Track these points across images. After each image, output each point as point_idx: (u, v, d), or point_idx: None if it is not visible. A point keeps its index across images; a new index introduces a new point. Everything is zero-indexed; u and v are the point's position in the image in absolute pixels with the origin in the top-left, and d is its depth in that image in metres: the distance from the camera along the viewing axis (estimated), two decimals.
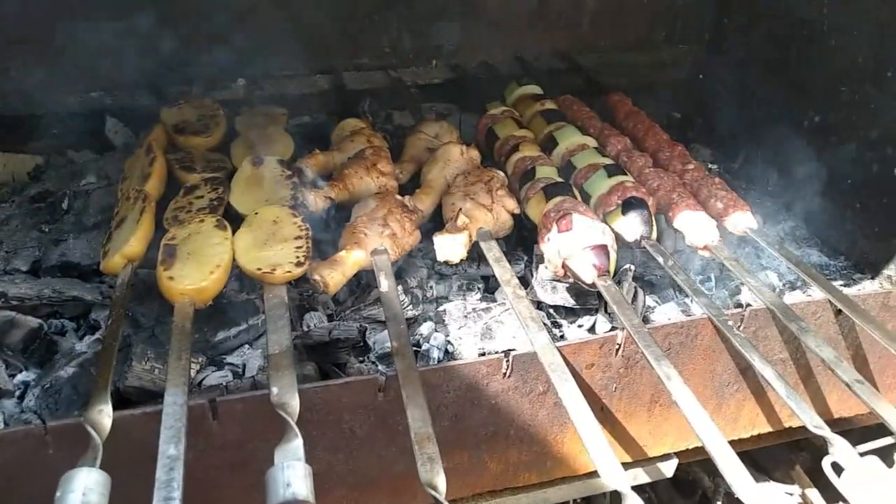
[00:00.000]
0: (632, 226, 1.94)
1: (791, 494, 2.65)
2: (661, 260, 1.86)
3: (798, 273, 1.91)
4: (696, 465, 2.62)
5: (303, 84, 2.75)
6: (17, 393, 1.68)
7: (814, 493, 2.61)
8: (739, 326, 1.75)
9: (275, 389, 1.40)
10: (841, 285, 2.24)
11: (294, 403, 1.37)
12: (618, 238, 1.92)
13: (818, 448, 2.73)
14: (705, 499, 2.78)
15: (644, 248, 1.94)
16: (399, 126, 2.77)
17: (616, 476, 1.31)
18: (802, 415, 1.45)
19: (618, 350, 1.67)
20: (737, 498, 2.69)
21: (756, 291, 1.78)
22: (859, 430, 2.11)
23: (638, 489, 1.52)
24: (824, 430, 1.42)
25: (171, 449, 1.26)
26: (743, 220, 2.04)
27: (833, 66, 2.48)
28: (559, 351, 1.54)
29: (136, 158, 2.10)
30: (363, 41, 2.81)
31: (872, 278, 2.33)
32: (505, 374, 1.59)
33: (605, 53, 3.07)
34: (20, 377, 1.72)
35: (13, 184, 2.39)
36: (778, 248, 1.96)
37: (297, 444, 1.29)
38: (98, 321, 1.87)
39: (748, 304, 1.94)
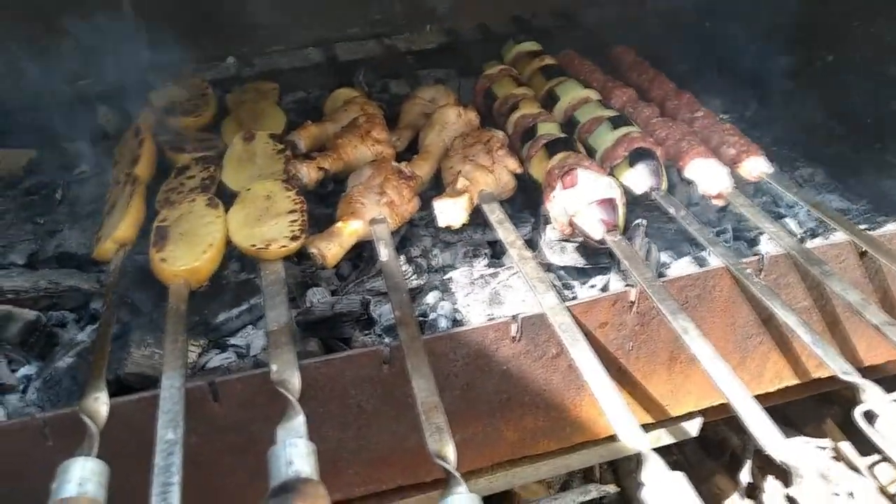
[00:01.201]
0: (640, 177, 1.85)
1: (823, 448, 2.58)
2: (672, 211, 1.78)
3: (819, 216, 1.82)
4: (724, 423, 2.55)
5: (294, 58, 2.67)
6: (21, 387, 1.65)
7: (847, 447, 2.54)
8: (759, 274, 1.67)
9: (274, 367, 1.35)
10: (864, 229, 2.15)
11: (295, 380, 1.32)
12: (627, 192, 1.84)
13: (849, 400, 2.64)
14: (735, 458, 2.72)
15: (655, 200, 1.85)
16: (396, 95, 2.69)
17: (636, 438, 1.25)
18: (830, 362, 1.37)
19: (631, 306, 1.59)
20: (766, 455, 2.62)
21: (775, 237, 1.70)
22: (891, 378, 2.03)
23: (664, 450, 1.46)
24: (854, 377, 1.35)
25: (168, 433, 1.22)
26: (757, 166, 1.94)
27: (843, 1, 2.37)
28: (569, 311, 1.47)
29: (125, 142, 2.05)
30: (352, 9, 2.72)
31: None
32: (514, 338, 1.53)
33: (604, 7, 2.96)
34: (23, 371, 1.69)
35: (7, 178, 2.34)
36: (796, 191, 1.87)
37: (298, 421, 1.24)
38: (98, 311, 1.82)
39: (767, 252, 1.85)
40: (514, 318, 1.52)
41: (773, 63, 2.66)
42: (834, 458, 2.49)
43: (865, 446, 2.53)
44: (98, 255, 1.69)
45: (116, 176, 1.92)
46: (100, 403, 1.29)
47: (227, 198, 1.85)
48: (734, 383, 1.34)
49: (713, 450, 2.76)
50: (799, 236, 2.05)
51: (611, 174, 1.88)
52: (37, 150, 2.48)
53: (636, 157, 1.88)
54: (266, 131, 2.01)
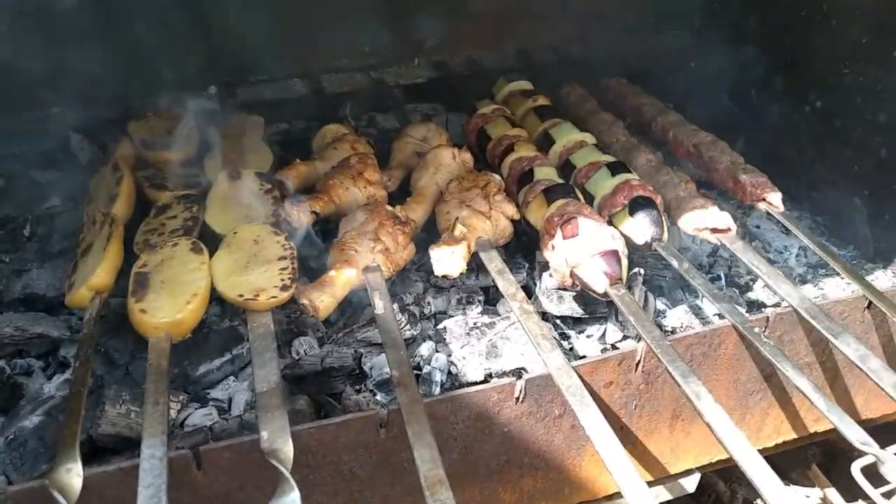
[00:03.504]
0: (642, 227, 1.81)
1: (808, 497, 2.55)
2: (675, 264, 1.74)
3: (834, 265, 1.81)
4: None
5: (279, 89, 2.59)
6: None
7: (831, 492, 2.52)
8: (765, 332, 1.63)
9: (265, 434, 1.26)
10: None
11: (287, 449, 1.23)
12: (627, 242, 1.79)
13: (831, 444, 2.64)
14: (719, 502, 2.68)
15: (655, 250, 1.81)
16: (383, 130, 2.62)
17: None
18: (846, 430, 1.33)
19: (637, 365, 1.54)
20: None
21: (783, 293, 1.66)
22: (883, 427, 2.02)
23: None
24: (872, 448, 1.30)
25: None
26: (774, 201, 1.96)
27: (835, 47, 2.37)
28: (576, 371, 1.41)
29: (101, 177, 1.94)
30: (340, 41, 2.66)
31: (884, 268, 2.22)
32: (518, 399, 1.46)
33: (593, 44, 2.94)
34: None
35: None
36: (808, 233, 1.87)
37: (293, 497, 1.15)
38: (67, 358, 1.70)
39: (773, 306, 1.83)
40: (519, 378, 1.45)
41: (761, 107, 2.67)
42: None
43: (851, 492, 2.52)
44: (71, 302, 1.58)
45: (92, 214, 1.80)
46: (72, 475, 1.18)
47: (207, 239, 1.76)
48: (744, 445, 1.31)
49: (699, 495, 2.72)
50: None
51: (610, 223, 1.84)
52: (3, 180, 2.35)
53: (636, 205, 1.84)
54: (252, 169, 1.92)
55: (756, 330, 1.55)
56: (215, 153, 2.07)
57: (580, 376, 1.41)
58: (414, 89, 2.72)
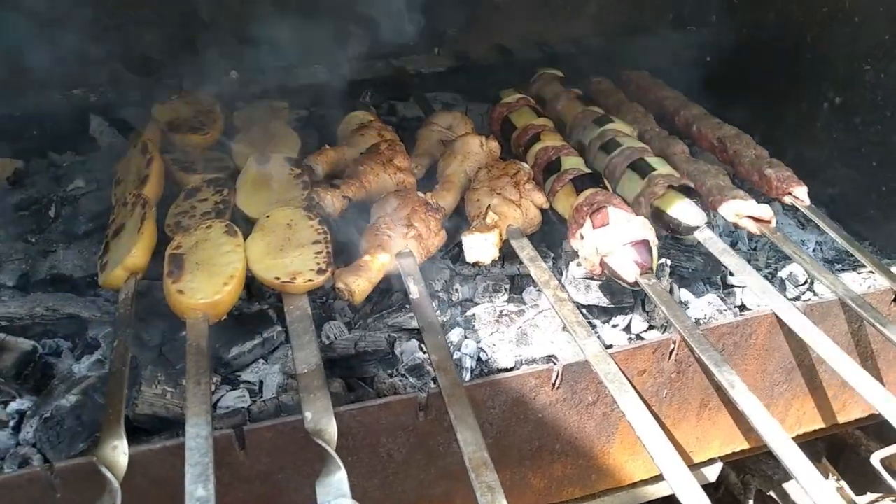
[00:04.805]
0: (693, 210, 1.82)
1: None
2: (715, 250, 1.76)
3: (861, 259, 1.83)
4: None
5: (301, 75, 2.58)
6: (12, 423, 1.52)
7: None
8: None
9: (308, 414, 1.26)
10: (868, 272, 2.16)
11: (331, 430, 1.24)
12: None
13: (838, 439, 2.67)
14: (728, 494, 2.70)
15: (694, 238, 1.83)
16: (404, 118, 2.62)
17: (691, 489, 1.20)
18: (890, 414, 1.34)
19: (671, 354, 1.55)
20: (769, 495, 2.59)
21: (828, 282, 1.69)
22: None
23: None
24: None
25: (199, 489, 1.13)
26: (800, 195, 1.97)
27: (856, 44, 2.38)
28: (613, 358, 1.42)
29: (129, 159, 1.93)
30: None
31: None
32: (554, 385, 1.46)
33: (612, 37, 2.95)
34: (13, 405, 1.55)
35: None
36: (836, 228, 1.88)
37: (339, 477, 1.16)
38: (97, 339, 1.70)
39: (793, 299, 1.84)
40: (555, 364, 1.46)
41: (777, 102, 2.68)
42: None
43: (860, 485, 2.56)
44: (106, 282, 1.57)
45: (121, 195, 1.80)
46: (118, 453, 1.19)
47: (237, 222, 1.75)
48: (779, 432, 1.32)
49: (711, 486, 2.75)
50: (805, 279, 2.04)
51: (657, 208, 1.84)
52: (24, 161, 2.34)
53: (684, 190, 1.86)
54: (281, 154, 1.92)
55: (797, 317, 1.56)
56: (242, 138, 2.07)
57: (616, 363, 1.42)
58: (434, 78, 2.72)
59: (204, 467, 1.16)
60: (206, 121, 2.11)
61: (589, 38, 2.88)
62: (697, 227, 1.82)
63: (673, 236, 1.93)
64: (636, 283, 1.67)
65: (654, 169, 1.93)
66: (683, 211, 1.83)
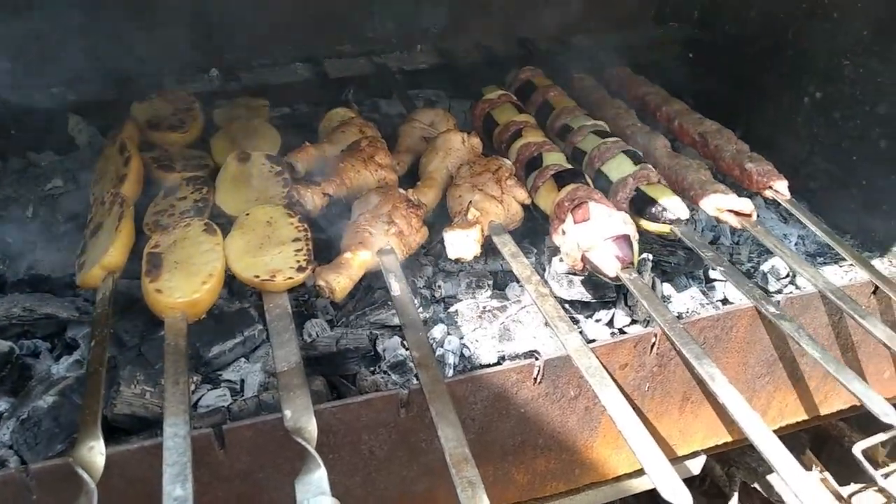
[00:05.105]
0: (679, 204, 1.83)
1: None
2: (695, 247, 1.76)
3: (841, 252, 1.84)
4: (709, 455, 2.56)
5: (282, 73, 2.57)
6: None
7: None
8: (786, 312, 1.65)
9: (288, 413, 1.25)
10: (849, 265, 2.18)
11: (311, 428, 1.23)
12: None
13: (822, 430, 2.69)
14: (713, 486, 2.72)
15: (675, 234, 1.83)
16: (386, 115, 2.61)
17: (672, 482, 1.20)
18: (871, 403, 1.35)
19: (652, 348, 1.55)
20: (753, 488, 2.60)
21: (808, 275, 1.70)
22: None
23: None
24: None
25: (177, 489, 1.11)
26: (781, 189, 1.99)
27: (835, 40, 2.40)
28: (594, 353, 1.42)
29: (107, 158, 1.91)
30: (344, 26, 2.64)
31: (881, 256, 2.26)
32: (536, 379, 1.46)
33: (594, 33, 2.95)
34: None
35: None
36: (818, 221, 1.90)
37: (319, 475, 1.15)
38: (75, 339, 1.69)
39: (775, 292, 1.85)
40: (537, 359, 1.45)
41: (758, 97, 2.70)
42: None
43: (843, 477, 2.58)
44: (83, 282, 1.56)
45: (99, 194, 1.78)
46: (95, 454, 1.17)
47: (217, 220, 1.74)
48: (759, 425, 1.33)
49: (696, 479, 2.76)
50: (787, 273, 2.06)
51: (646, 197, 1.85)
52: (1, 160, 2.31)
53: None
54: (261, 151, 1.91)
55: (774, 311, 1.57)
56: (221, 135, 2.06)
57: (597, 358, 1.42)
58: (416, 75, 2.71)
59: (182, 467, 1.15)
60: (185, 118, 2.09)
61: (571, 34, 2.88)
62: (683, 221, 1.83)
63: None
64: (617, 278, 1.67)
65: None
66: (669, 202, 1.83)
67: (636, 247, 1.71)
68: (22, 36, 2.32)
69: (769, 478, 2.39)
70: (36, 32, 2.27)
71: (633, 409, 1.58)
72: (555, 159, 1.97)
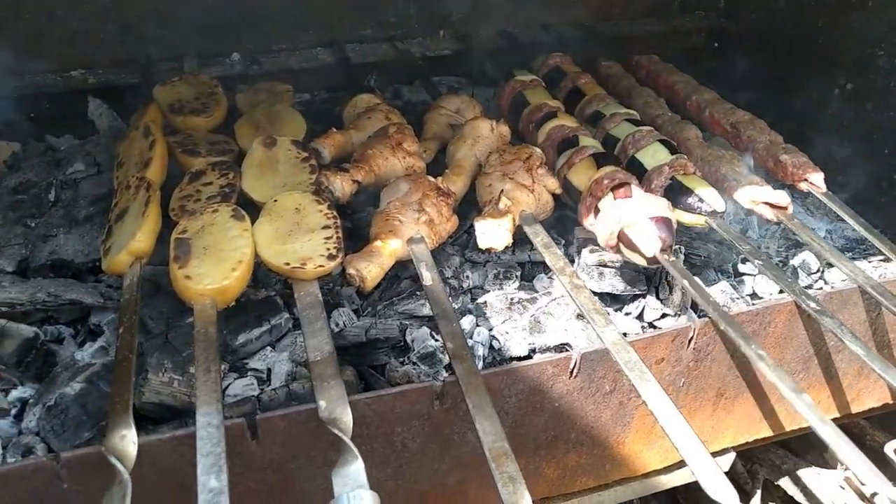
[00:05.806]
0: (717, 196, 1.79)
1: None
2: (733, 240, 1.72)
3: (879, 246, 1.79)
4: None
5: (303, 58, 2.53)
6: (14, 412, 1.48)
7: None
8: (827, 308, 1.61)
9: (322, 403, 1.22)
10: (880, 260, 2.13)
11: (346, 419, 1.20)
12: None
13: (844, 428, 2.66)
14: (733, 483, 2.69)
15: (711, 226, 1.80)
16: (409, 102, 2.57)
17: (718, 479, 1.17)
18: None
19: (690, 342, 1.52)
20: (776, 485, 2.57)
21: (847, 270, 1.66)
22: None
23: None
24: None
25: (212, 480, 1.09)
26: (816, 181, 1.95)
27: (869, 29, 2.35)
28: (633, 347, 1.38)
29: (131, 142, 1.88)
30: (366, 10, 2.60)
31: None
32: (572, 373, 1.43)
33: (618, 21, 2.90)
34: (15, 393, 1.51)
35: None
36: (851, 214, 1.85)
37: (357, 467, 1.12)
38: (99, 325, 1.66)
39: (806, 287, 1.81)
40: (573, 353, 1.42)
41: (786, 88, 2.65)
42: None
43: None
44: (109, 268, 1.53)
45: (124, 179, 1.75)
46: (127, 442, 1.15)
47: (243, 206, 1.71)
48: (817, 413, 1.29)
49: None
50: (818, 268, 2.02)
51: (682, 187, 1.81)
52: (20, 144, 2.29)
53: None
54: (286, 136, 1.87)
55: (814, 306, 1.53)
56: (245, 120, 2.02)
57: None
58: (439, 61, 2.67)
59: (216, 457, 1.12)
60: (208, 103, 2.05)
61: (596, 21, 2.83)
62: (719, 213, 1.79)
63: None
64: (654, 260, 1.62)
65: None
66: (707, 193, 1.79)
67: (673, 237, 1.67)
68: (41, 18, 2.30)
69: (800, 472, 2.35)
70: (53, 14, 2.23)
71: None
72: (589, 143, 1.92)
